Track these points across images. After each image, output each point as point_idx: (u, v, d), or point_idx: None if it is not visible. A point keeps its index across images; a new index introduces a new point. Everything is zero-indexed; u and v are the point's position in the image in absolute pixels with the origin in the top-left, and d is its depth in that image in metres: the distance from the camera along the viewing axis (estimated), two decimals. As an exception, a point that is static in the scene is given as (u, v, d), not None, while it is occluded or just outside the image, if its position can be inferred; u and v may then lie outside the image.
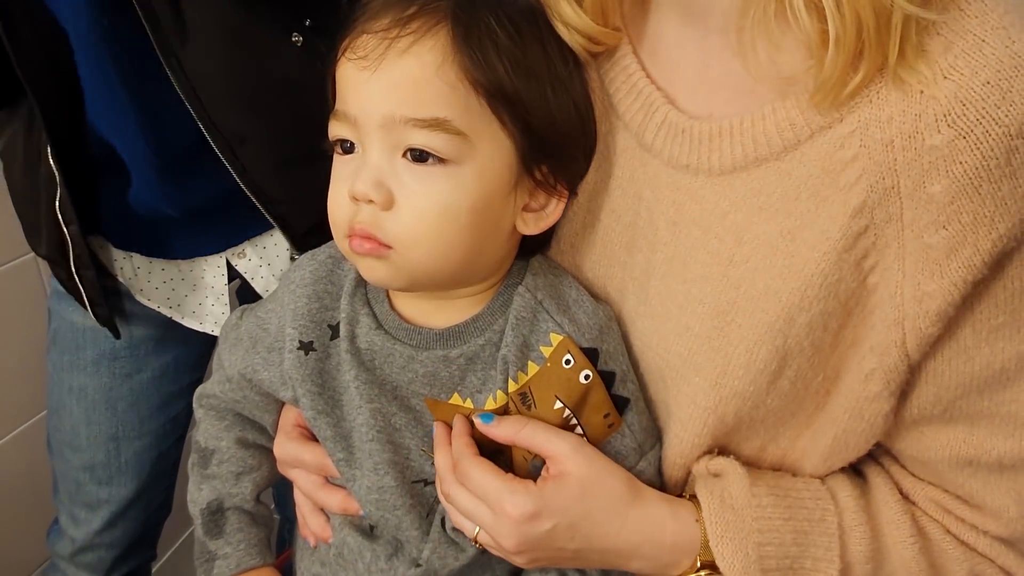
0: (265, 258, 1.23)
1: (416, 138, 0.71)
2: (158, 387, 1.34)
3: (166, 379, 1.35)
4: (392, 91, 0.71)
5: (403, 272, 0.74)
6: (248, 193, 1.05)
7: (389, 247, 0.73)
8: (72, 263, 1.17)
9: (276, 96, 1.03)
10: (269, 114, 1.03)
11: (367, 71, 0.71)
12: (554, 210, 0.79)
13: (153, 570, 1.93)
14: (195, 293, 1.24)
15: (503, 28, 0.72)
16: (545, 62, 0.74)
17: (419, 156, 0.71)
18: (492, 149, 0.73)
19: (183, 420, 1.42)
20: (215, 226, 1.19)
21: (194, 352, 1.39)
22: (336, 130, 0.75)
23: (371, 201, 0.72)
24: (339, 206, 0.75)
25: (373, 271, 0.75)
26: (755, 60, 0.68)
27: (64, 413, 1.32)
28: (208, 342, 1.38)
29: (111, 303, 1.21)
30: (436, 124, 0.70)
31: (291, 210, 1.07)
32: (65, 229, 1.13)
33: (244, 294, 1.31)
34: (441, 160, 0.71)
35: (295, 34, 1.05)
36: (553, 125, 0.75)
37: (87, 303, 1.20)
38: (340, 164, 0.76)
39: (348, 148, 0.75)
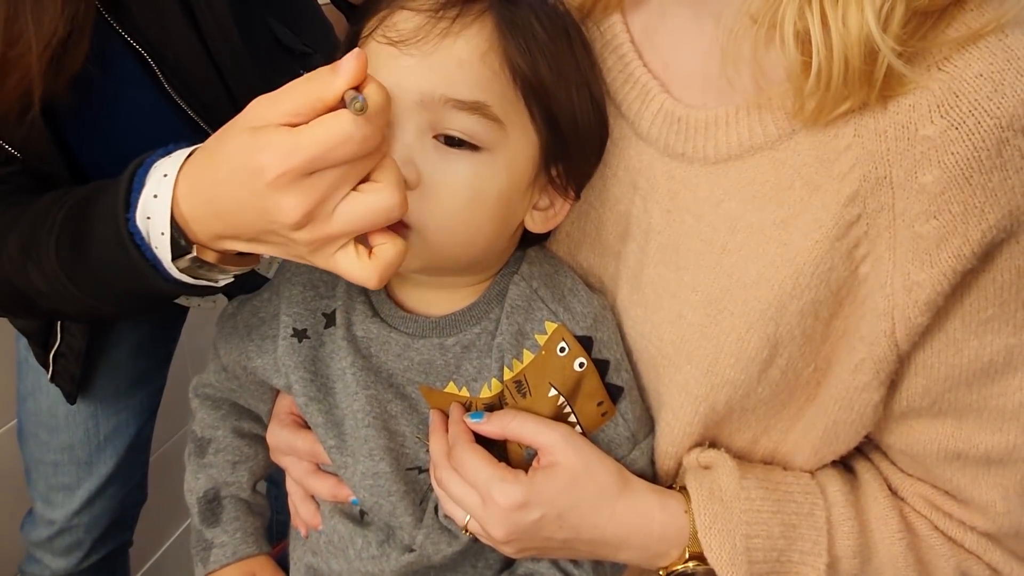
0: None
1: (454, 121, 0.70)
2: (134, 362, 1.35)
3: (141, 353, 1.36)
4: (435, 70, 0.70)
5: (420, 256, 0.72)
6: None
7: (408, 227, 0.71)
8: (52, 350, 1.19)
9: None
10: None
11: (409, 47, 0.70)
12: (560, 210, 0.80)
13: (145, 567, 1.93)
14: None
15: (541, 25, 0.74)
16: (573, 62, 0.76)
17: (452, 141, 0.71)
18: (521, 141, 0.73)
19: (157, 395, 1.44)
20: None
21: (167, 325, 1.41)
22: None
23: None
24: None
25: None
26: (735, 71, 0.70)
27: (40, 395, 1.33)
28: (180, 314, 1.40)
29: None
30: (477, 108, 0.70)
31: None
32: (60, 334, 1.16)
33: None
34: (474, 147, 0.71)
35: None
36: (575, 124, 0.76)
37: (51, 373, 1.23)
38: None
39: None
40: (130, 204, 0.70)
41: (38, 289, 0.81)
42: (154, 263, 0.71)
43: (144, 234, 0.70)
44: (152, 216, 0.69)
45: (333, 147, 0.59)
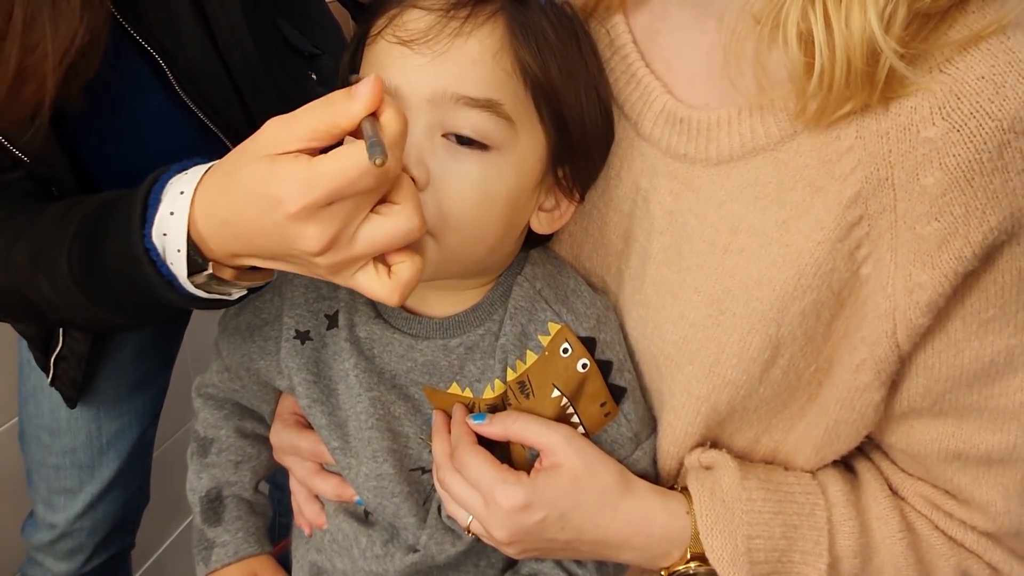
0: None
1: (466, 119, 0.70)
2: (137, 365, 1.34)
3: (144, 356, 1.35)
4: (447, 68, 0.70)
5: (430, 256, 0.72)
6: None
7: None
8: (53, 355, 1.18)
9: None
10: None
11: (420, 46, 0.70)
12: (565, 212, 0.80)
13: (144, 566, 1.92)
14: None
15: (552, 26, 0.74)
16: (582, 64, 0.76)
17: (463, 140, 0.71)
18: (530, 142, 0.74)
19: (160, 398, 1.43)
20: None
21: (170, 328, 1.40)
22: None
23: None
24: None
25: None
26: (737, 71, 0.70)
27: (42, 397, 1.32)
28: (183, 317, 1.39)
29: None
30: (489, 106, 0.70)
31: None
32: (61, 339, 1.16)
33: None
34: (484, 146, 0.71)
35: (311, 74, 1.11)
36: (583, 126, 0.76)
37: (52, 377, 1.22)
38: None
39: None
40: (146, 220, 0.70)
41: (48, 299, 0.80)
42: (169, 279, 0.70)
43: (160, 251, 0.70)
44: (168, 233, 0.69)
45: (353, 181, 0.59)
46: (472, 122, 0.70)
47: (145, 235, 0.70)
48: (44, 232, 0.80)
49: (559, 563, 0.84)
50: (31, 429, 1.36)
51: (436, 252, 0.71)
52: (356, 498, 0.85)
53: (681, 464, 0.81)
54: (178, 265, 0.69)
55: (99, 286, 0.77)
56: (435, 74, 0.70)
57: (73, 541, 1.39)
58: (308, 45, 1.14)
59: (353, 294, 0.83)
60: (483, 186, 0.71)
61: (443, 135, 0.71)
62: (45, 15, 0.79)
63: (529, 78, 0.72)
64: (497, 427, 0.78)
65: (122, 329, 1.23)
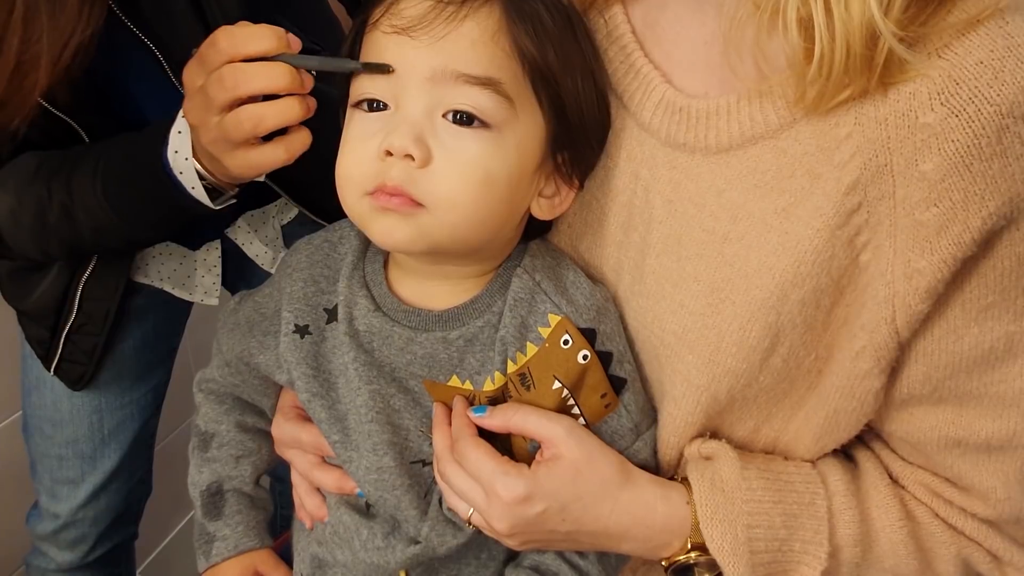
0: (253, 224, 1.27)
1: (466, 96, 0.71)
2: (138, 357, 1.35)
3: (146, 348, 1.36)
4: (446, 48, 0.71)
5: (428, 235, 0.72)
6: (297, 204, 1.16)
7: (421, 205, 0.71)
8: (66, 328, 1.20)
9: None
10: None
11: (417, 32, 0.71)
12: (565, 198, 0.80)
13: (148, 559, 1.93)
14: (186, 264, 1.27)
15: (548, 13, 0.75)
16: (578, 51, 0.76)
17: (463, 118, 0.71)
18: (530, 125, 0.74)
19: (161, 390, 1.44)
20: (223, 217, 1.21)
21: (172, 320, 1.41)
22: (366, 87, 0.74)
23: (408, 157, 0.70)
24: (361, 162, 0.73)
25: (393, 232, 0.73)
26: (737, 58, 0.70)
27: (45, 388, 1.33)
28: (184, 309, 1.41)
29: None
30: (489, 83, 0.71)
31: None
32: (77, 303, 1.17)
33: (228, 266, 1.33)
34: (485, 124, 0.71)
35: None
36: (580, 114, 0.76)
37: (56, 360, 1.23)
38: (363, 122, 0.75)
39: (377, 107, 0.74)
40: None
41: (83, 224, 0.98)
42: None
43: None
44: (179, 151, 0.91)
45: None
46: (473, 98, 0.71)
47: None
48: (75, 161, 0.94)
49: (560, 555, 0.84)
50: (34, 420, 1.37)
51: (431, 230, 0.72)
52: (357, 490, 0.85)
53: (681, 454, 0.81)
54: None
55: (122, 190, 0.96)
56: (435, 54, 0.71)
57: (76, 531, 1.41)
58: (307, 42, 1.15)
59: (352, 287, 0.83)
60: (485, 165, 0.72)
61: (444, 115, 0.71)
62: (44, 10, 0.81)
63: (527, 61, 0.73)
64: (498, 419, 0.78)
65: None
